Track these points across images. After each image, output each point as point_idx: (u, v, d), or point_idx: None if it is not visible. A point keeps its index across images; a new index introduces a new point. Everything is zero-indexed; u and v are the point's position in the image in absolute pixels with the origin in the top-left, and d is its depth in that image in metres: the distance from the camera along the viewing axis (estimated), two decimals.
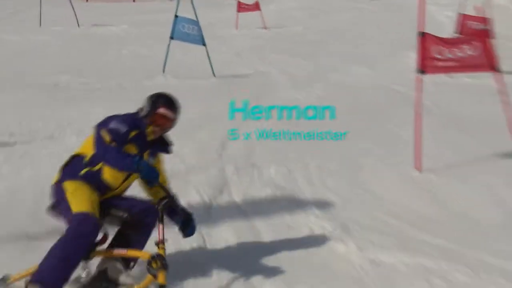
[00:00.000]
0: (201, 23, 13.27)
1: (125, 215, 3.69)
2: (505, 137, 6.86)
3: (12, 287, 3.60)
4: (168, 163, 4.58)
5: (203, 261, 4.48)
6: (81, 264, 3.56)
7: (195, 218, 4.04)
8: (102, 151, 3.53)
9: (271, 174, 6.67)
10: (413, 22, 7.97)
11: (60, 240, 3.37)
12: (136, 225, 3.75)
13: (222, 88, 11.86)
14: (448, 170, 6.59)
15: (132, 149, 3.69)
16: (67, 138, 7.62)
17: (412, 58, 9.95)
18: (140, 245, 3.82)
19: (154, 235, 3.82)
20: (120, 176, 3.73)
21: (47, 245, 3.62)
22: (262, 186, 6.30)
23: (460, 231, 5.05)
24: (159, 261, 3.41)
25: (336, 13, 27.72)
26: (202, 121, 9.00)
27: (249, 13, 22.90)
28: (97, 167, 3.65)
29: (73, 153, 3.86)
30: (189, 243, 4.59)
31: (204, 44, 13.27)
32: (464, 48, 6.81)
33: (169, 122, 3.86)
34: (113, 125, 3.58)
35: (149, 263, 3.42)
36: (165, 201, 3.67)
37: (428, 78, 7.36)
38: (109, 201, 3.74)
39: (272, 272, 4.19)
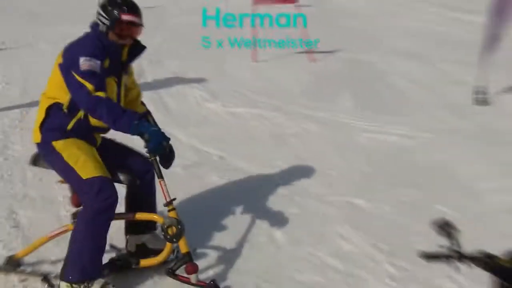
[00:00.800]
0: None
1: (129, 178, 3.24)
2: None
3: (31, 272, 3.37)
4: None
5: None
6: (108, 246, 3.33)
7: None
8: (90, 105, 2.90)
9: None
10: None
11: (84, 217, 2.92)
12: (141, 186, 3.35)
13: None
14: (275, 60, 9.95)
15: (111, 82, 3.15)
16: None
17: None
18: (153, 207, 3.51)
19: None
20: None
21: None
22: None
23: (281, 95, 8.07)
24: (174, 226, 3.00)
25: None
26: None
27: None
28: (81, 113, 3.08)
29: (41, 99, 3.20)
30: None
31: None
32: None
33: (137, 28, 3.17)
34: (85, 65, 2.88)
35: (163, 230, 3.04)
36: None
37: None
38: (106, 160, 3.15)
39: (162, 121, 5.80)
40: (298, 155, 5.85)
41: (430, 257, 2.07)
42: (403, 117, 7.39)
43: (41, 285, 3.23)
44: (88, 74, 2.92)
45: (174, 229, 3.04)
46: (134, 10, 3.18)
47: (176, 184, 4.70)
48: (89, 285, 2.93)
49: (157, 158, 3.13)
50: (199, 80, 8.83)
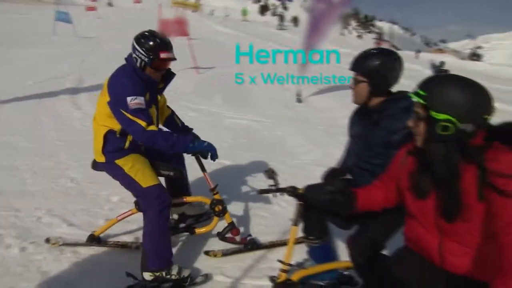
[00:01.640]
0: None
1: (172, 173, 2.73)
2: None
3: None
4: None
5: None
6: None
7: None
8: (146, 139, 2.35)
9: None
10: None
11: (150, 219, 2.44)
12: (179, 177, 2.86)
13: None
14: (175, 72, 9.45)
15: (152, 110, 2.57)
16: None
17: None
18: (190, 190, 3.05)
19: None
20: None
21: None
22: None
23: (176, 94, 7.86)
24: (219, 205, 2.75)
25: None
26: None
27: None
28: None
29: (95, 125, 2.58)
30: None
31: None
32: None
33: (170, 62, 2.58)
34: (133, 104, 2.30)
35: (212, 208, 2.76)
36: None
37: None
38: (152, 160, 2.67)
39: None
40: None
41: (263, 191, 2.20)
42: (253, 108, 7.61)
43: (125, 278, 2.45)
44: (138, 112, 2.32)
45: (220, 207, 2.77)
46: (169, 47, 2.52)
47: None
48: (169, 271, 2.45)
49: (199, 156, 2.64)
50: None
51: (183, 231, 2.93)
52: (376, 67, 1.98)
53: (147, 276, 2.41)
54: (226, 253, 2.80)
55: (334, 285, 2.20)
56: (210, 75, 10.44)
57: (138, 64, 2.46)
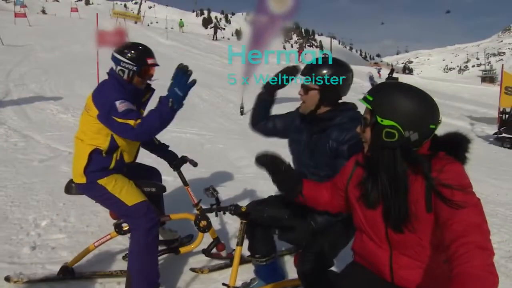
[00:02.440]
0: None
1: (153, 189, 2.59)
2: None
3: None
4: None
5: None
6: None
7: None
8: (138, 135, 2.24)
9: None
10: None
11: (137, 238, 2.31)
12: (161, 193, 2.76)
13: None
14: None
15: None
16: None
17: None
18: (163, 208, 2.88)
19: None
20: (134, 150, 2.54)
21: None
22: None
23: None
24: (204, 220, 2.65)
25: None
26: None
27: None
28: (117, 153, 2.42)
29: (78, 144, 2.41)
30: None
31: None
32: None
33: (154, 68, 2.49)
34: (121, 107, 2.20)
35: (196, 224, 2.66)
36: (175, 162, 2.81)
37: None
38: (134, 178, 2.51)
39: None
40: None
41: (205, 211, 2.17)
42: (195, 121, 7.51)
43: None
44: (127, 113, 2.20)
45: (205, 222, 2.67)
46: (153, 53, 2.47)
47: (35, 174, 4.18)
48: None
49: (181, 170, 2.70)
50: (55, 98, 7.90)
51: (167, 252, 2.80)
52: (328, 76, 1.93)
53: None
54: (212, 269, 2.74)
55: None
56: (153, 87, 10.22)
57: (125, 75, 2.37)
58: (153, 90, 2.60)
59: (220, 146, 6.07)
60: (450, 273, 1.15)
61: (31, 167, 4.45)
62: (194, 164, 2.81)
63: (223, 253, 2.82)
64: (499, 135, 9.16)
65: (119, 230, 2.59)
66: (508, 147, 8.95)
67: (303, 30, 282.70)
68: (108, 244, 2.71)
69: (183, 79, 2.19)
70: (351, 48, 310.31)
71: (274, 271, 2.30)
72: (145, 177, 2.67)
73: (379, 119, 1.37)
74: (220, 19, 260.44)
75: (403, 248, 1.44)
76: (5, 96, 7.76)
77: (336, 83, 1.94)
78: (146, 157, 2.91)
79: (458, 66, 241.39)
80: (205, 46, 23.09)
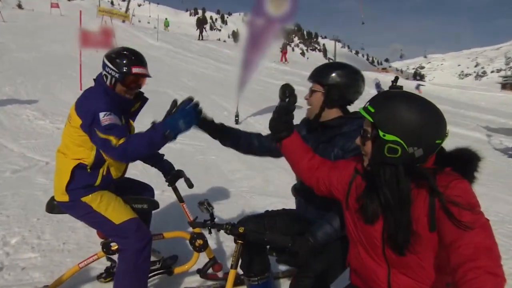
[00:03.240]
0: None
1: (145, 205, 2.56)
2: None
3: None
4: None
5: None
6: None
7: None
8: (119, 156, 2.18)
9: None
10: None
11: (125, 257, 2.29)
12: (153, 209, 2.70)
13: None
14: None
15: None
16: None
17: None
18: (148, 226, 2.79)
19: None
20: (123, 164, 2.49)
21: None
22: None
23: None
24: (200, 239, 2.69)
25: None
26: None
27: None
28: (104, 168, 2.36)
29: (60, 158, 2.37)
30: None
31: None
32: None
33: (144, 79, 2.42)
34: (105, 120, 2.14)
35: (192, 243, 2.70)
36: (169, 176, 2.79)
37: None
38: (123, 195, 2.48)
39: None
40: None
41: (199, 225, 2.14)
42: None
43: None
44: (110, 128, 2.14)
45: (201, 241, 2.70)
46: (143, 62, 2.39)
47: (6, 186, 4.15)
48: None
49: (176, 186, 2.72)
50: (31, 102, 7.86)
51: (159, 274, 2.79)
52: (332, 76, 2.05)
53: None
54: None
55: None
56: None
57: (108, 82, 2.33)
58: (145, 99, 2.54)
59: (213, 157, 6.06)
60: None
61: (2, 178, 4.43)
62: (190, 185, 2.77)
63: (220, 274, 2.81)
64: None
65: (107, 250, 2.55)
66: None
67: (305, 33, 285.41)
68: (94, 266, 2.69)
69: (191, 115, 2.10)
70: (357, 53, 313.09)
71: None
72: (136, 193, 2.63)
73: (381, 133, 1.37)
74: (216, 19, 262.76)
75: (402, 267, 1.45)
76: None
77: (341, 82, 2.03)
78: (132, 169, 2.91)
79: (475, 72, 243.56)
80: (199, 48, 23.21)
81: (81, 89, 9.30)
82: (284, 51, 25.19)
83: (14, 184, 4.29)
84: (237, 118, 8.51)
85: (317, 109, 2.10)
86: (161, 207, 3.48)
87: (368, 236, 1.52)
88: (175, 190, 2.78)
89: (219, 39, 44.18)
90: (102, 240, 2.64)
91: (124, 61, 2.31)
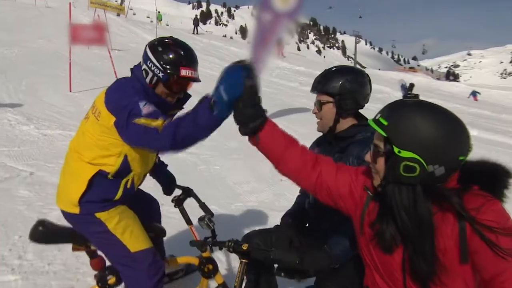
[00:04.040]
0: None
1: (152, 233, 2.46)
2: None
3: None
4: None
5: None
6: None
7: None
8: (169, 136, 1.87)
9: None
10: None
11: None
12: (160, 236, 2.74)
13: None
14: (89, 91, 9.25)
15: None
16: None
17: None
18: (164, 251, 2.85)
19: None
20: (145, 172, 2.38)
21: None
22: None
23: None
24: (209, 264, 2.69)
25: None
26: None
27: None
28: (128, 179, 2.24)
29: (76, 162, 2.21)
30: None
31: None
32: None
33: (190, 84, 2.25)
34: (146, 109, 1.98)
35: (201, 269, 2.71)
36: (178, 198, 2.80)
37: None
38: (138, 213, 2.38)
39: None
40: None
41: (195, 244, 2.21)
42: None
43: None
44: (152, 115, 1.95)
45: (210, 266, 2.66)
46: (193, 61, 2.19)
47: None
48: None
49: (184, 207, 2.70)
50: (13, 105, 7.95)
51: None
52: (341, 83, 2.07)
53: None
54: None
55: None
56: None
57: (148, 79, 2.17)
58: (187, 96, 2.35)
59: (217, 167, 6.07)
60: None
61: None
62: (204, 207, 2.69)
63: None
64: None
65: (102, 283, 2.51)
66: None
67: (321, 28, 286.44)
68: None
69: (236, 76, 1.68)
70: (380, 50, 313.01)
71: None
72: (146, 210, 2.57)
73: (396, 149, 1.34)
74: (222, 13, 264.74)
75: None
76: None
77: (352, 89, 2.07)
78: None
79: None
80: (203, 46, 23.42)
81: (70, 91, 9.44)
82: (279, 45, 25.45)
83: None
84: None
85: (331, 121, 2.14)
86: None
87: (386, 266, 1.50)
88: (183, 212, 2.77)
89: (225, 36, 44.40)
90: (97, 271, 2.58)
91: (172, 58, 2.13)
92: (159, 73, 2.13)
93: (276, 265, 2.19)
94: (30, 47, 14.26)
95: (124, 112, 1.99)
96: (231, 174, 5.83)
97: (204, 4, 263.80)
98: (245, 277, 2.05)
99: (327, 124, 2.15)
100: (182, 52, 2.16)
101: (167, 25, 46.64)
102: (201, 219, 2.41)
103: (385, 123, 1.37)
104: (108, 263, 2.46)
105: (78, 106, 8.41)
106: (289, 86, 15.63)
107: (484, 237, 1.26)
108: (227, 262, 3.43)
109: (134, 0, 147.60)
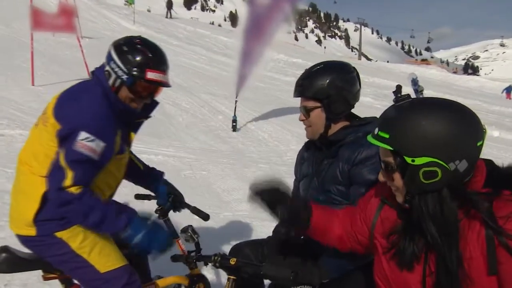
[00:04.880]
0: None
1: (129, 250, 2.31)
2: None
3: None
4: None
5: None
6: None
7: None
8: (60, 203, 2.01)
9: None
10: None
11: None
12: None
13: None
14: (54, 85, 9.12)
15: (124, 156, 2.29)
16: None
17: None
18: (149, 271, 2.75)
19: None
20: (115, 183, 2.37)
21: None
22: None
23: None
24: (201, 283, 2.63)
25: None
26: None
27: None
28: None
29: (26, 176, 2.14)
30: None
31: None
32: None
33: (160, 88, 2.26)
34: (81, 145, 1.97)
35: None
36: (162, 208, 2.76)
37: None
38: None
39: None
40: None
41: (176, 260, 2.23)
42: (171, 139, 7.53)
43: None
44: (77, 162, 1.97)
45: (202, 285, 2.61)
46: (162, 63, 2.19)
47: None
48: None
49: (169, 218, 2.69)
50: None
51: None
52: (328, 84, 2.06)
53: None
54: None
55: None
56: None
57: (111, 81, 2.14)
58: (155, 103, 2.35)
59: (204, 173, 6.08)
60: None
61: None
62: (205, 216, 2.71)
63: None
64: None
65: None
66: None
67: (322, 14, 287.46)
68: None
69: (155, 244, 2.11)
70: (389, 40, 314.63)
71: None
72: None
73: (408, 159, 1.37)
74: None
75: None
76: None
77: (340, 89, 2.06)
78: None
79: None
80: (187, 35, 23.42)
81: (33, 84, 9.33)
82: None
83: None
84: (234, 124, 8.53)
85: (321, 128, 2.14)
86: None
87: (400, 283, 1.52)
88: (168, 223, 2.71)
89: (212, 23, 44.40)
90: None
91: (138, 59, 2.12)
92: (122, 75, 2.11)
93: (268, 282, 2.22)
94: None
95: (64, 129, 2.00)
96: (219, 181, 5.84)
97: None
98: None
99: (317, 131, 2.15)
100: (150, 54, 2.15)
101: (149, 11, 46.36)
102: (183, 231, 2.42)
103: (387, 136, 1.39)
104: None
105: (42, 102, 8.22)
106: (284, 80, 15.66)
107: (510, 250, 1.27)
108: (217, 278, 3.45)
109: None
